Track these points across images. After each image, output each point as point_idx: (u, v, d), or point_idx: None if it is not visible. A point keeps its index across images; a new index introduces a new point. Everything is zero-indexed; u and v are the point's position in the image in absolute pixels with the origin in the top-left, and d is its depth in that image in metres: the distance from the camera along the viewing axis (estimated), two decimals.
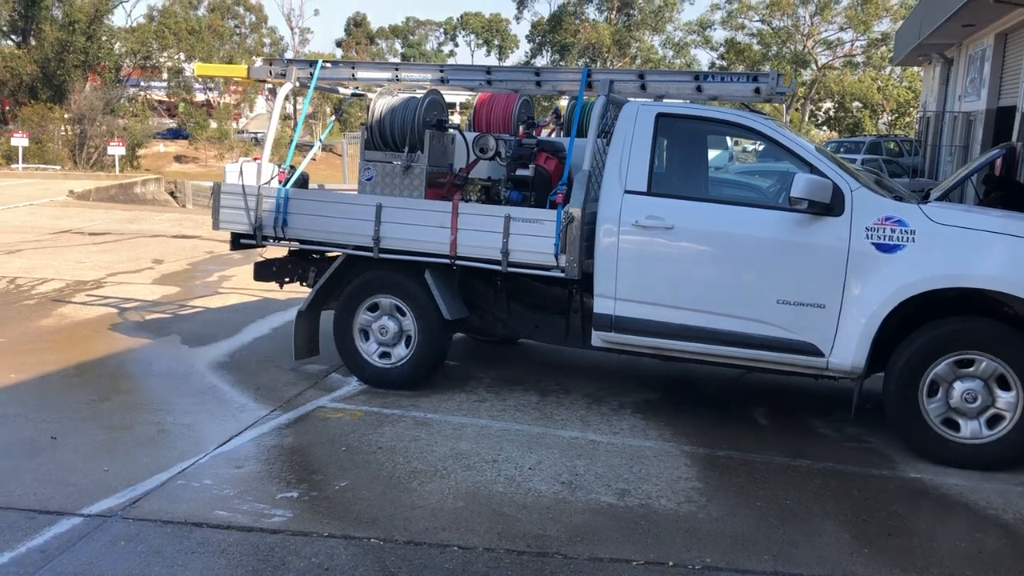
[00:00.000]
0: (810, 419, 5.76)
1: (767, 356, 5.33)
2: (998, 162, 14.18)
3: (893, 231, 5.03)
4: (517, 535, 3.97)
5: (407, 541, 3.89)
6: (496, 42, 77.02)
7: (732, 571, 3.68)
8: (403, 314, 6.03)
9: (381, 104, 6.28)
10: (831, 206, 5.08)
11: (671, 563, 3.74)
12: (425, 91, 6.38)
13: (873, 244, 5.05)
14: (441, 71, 6.63)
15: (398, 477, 4.58)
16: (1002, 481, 4.74)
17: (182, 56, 45.99)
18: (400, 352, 6.07)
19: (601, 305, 5.59)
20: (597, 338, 5.68)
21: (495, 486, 4.51)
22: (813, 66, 50.13)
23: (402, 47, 78.50)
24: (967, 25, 18.29)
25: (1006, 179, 14.18)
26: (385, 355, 6.11)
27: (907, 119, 45.30)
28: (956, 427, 4.98)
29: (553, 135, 6.97)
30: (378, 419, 5.47)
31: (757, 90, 5.72)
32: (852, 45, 50.36)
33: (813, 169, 5.22)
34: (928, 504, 4.53)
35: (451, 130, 6.36)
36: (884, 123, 48.86)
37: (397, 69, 6.76)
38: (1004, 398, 4.88)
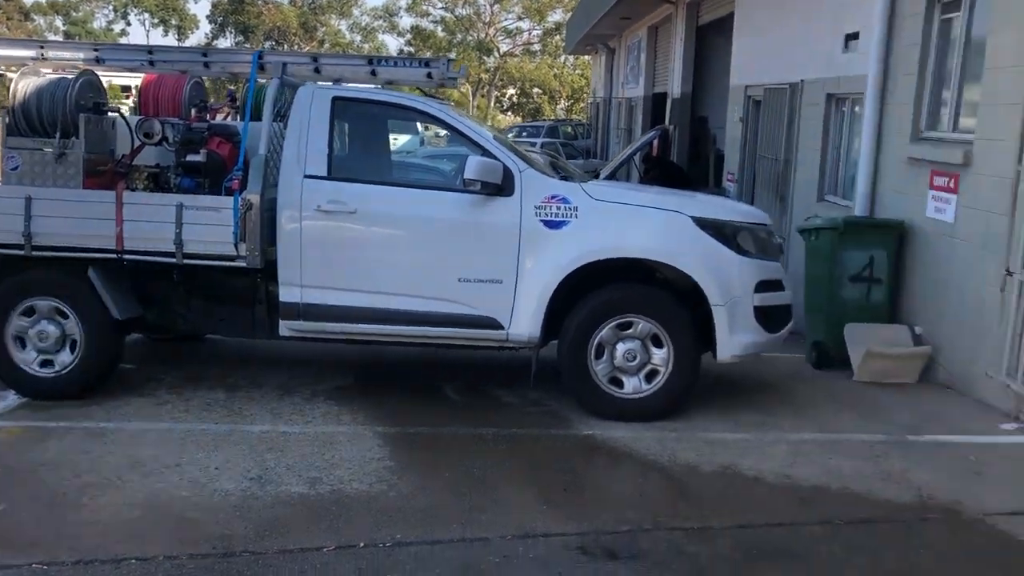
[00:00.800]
0: (496, 389, 6.05)
1: (453, 332, 5.52)
2: (656, 143, 15.71)
3: (559, 208, 5.39)
4: (201, 538, 3.79)
5: (76, 561, 3.58)
6: (174, 22, 72.26)
7: (422, 544, 3.79)
8: (65, 317, 5.50)
9: (24, 85, 5.66)
10: (502, 186, 5.34)
11: (362, 544, 3.77)
12: (79, 71, 5.84)
13: (542, 221, 5.39)
14: (95, 50, 6.11)
15: (64, 494, 4.19)
16: (659, 429, 5.28)
17: None
18: (64, 359, 5.53)
19: (287, 293, 5.48)
20: (285, 328, 5.57)
21: (178, 491, 4.27)
22: (496, 53, 52.41)
23: (64, 24, 71.21)
24: (624, 18, 20.05)
25: (662, 159, 15.74)
26: (47, 363, 5.54)
27: (581, 104, 48.80)
28: (621, 384, 5.47)
29: (229, 119, 6.68)
30: (41, 434, 4.97)
31: (429, 75, 5.86)
32: (530, 34, 53.31)
33: (485, 152, 5.45)
34: (599, 457, 4.94)
35: (111, 114, 5.88)
36: (562, 108, 52.28)
37: (43, 47, 6.13)
38: (658, 355, 5.43)
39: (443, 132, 6.08)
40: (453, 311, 5.44)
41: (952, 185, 6.31)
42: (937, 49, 6.89)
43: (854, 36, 8.21)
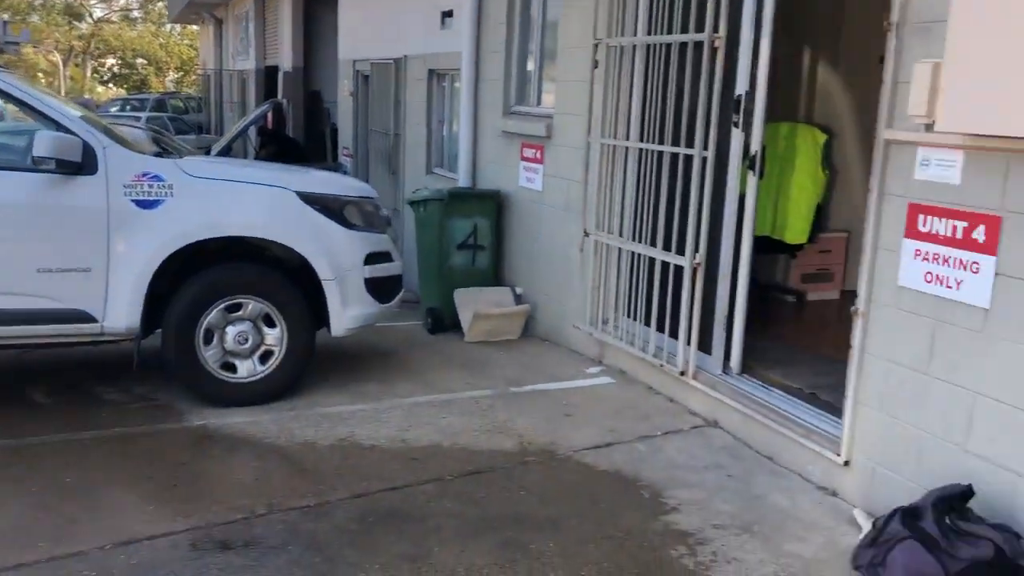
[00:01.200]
0: (97, 387, 5.53)
1: (37, 331, 4.95)
2: (270, 116, 15.33)
3: (151, 187, 5.03)
4: None
5: None
6: None
7: (2, 572, 3.35)
8: None
9: None
10: (83, 165, 4.85)
11: None
12: None
13: (133, 201, 4.99)
14: None
15: None
16: (277, 410, 5.17)
17: None
18: None
19: None
20: None
21: None
22: (89, 19, 47.63)
23: None
24: None
25: (278, 133, 15.42)
26: None
27: (192, 77, 46.11)
28: (234, 369, 5.27)
29: None
30: None
31: None
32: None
33: (60, 126, 4.91)
34: (214, 447, 4.72)
35: None
36: (171, 80, 49.00)
37: None
38: (272, 334, 5.30)
39: None
40: (35, 306, 4.87)
41: (539, 156, 6.89)
42: (521, 28, 7.44)
43: (449, 14, 8.61)
